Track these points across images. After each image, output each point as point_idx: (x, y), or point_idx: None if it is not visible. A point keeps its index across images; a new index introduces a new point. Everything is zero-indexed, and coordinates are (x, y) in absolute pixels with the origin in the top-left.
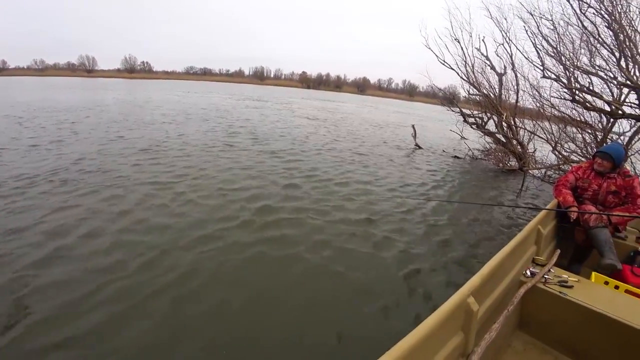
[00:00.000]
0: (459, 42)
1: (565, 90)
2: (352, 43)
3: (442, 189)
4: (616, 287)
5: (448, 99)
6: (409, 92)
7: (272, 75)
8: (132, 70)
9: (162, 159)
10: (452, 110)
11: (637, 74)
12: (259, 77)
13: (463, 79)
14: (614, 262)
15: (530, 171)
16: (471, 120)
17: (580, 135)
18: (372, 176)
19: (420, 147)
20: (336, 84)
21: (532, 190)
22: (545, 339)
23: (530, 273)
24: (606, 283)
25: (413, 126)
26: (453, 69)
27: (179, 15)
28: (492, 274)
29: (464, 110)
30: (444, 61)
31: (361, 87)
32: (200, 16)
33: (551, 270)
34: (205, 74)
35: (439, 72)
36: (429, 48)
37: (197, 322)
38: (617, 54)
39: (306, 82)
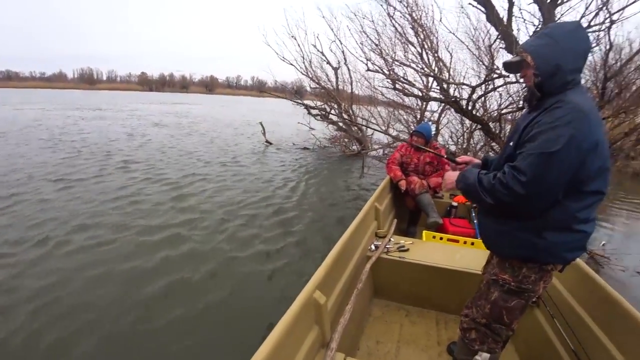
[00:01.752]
0: (295, 39)
1: (388, 80)
2: (197, 40)
3: (292, 183)
4: (441, 239)
5: (290, 93)
6: (259, 89)
7: (104, 78)
8: None
9: None
10: (297, 104)
11: (434, 66)
12: (88, 80)
13: (302, 74)
14: (436, 219)
15: (369, 153)
16: (315, 111)
17: (404, 117)
18: (225, 182)
19: (270, 143)
20: (182, 85)
21: (373, 170)
22: (397, 299)
23: (375, 247)
24: (434, 237)
25: (261, 123)
26: (293, 65)
27: None
28: (337, 260)
29: (309, 102)
30: (283, 57)
31: (209, 86)
32: None
33: (391, 239)
34: (11, 79)
35: (285, 68)
36: (268, 45)
37: None
38: (419, 49)
39: (147, 84)
